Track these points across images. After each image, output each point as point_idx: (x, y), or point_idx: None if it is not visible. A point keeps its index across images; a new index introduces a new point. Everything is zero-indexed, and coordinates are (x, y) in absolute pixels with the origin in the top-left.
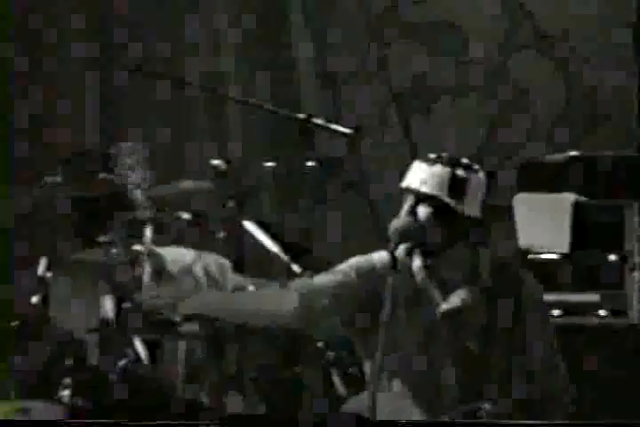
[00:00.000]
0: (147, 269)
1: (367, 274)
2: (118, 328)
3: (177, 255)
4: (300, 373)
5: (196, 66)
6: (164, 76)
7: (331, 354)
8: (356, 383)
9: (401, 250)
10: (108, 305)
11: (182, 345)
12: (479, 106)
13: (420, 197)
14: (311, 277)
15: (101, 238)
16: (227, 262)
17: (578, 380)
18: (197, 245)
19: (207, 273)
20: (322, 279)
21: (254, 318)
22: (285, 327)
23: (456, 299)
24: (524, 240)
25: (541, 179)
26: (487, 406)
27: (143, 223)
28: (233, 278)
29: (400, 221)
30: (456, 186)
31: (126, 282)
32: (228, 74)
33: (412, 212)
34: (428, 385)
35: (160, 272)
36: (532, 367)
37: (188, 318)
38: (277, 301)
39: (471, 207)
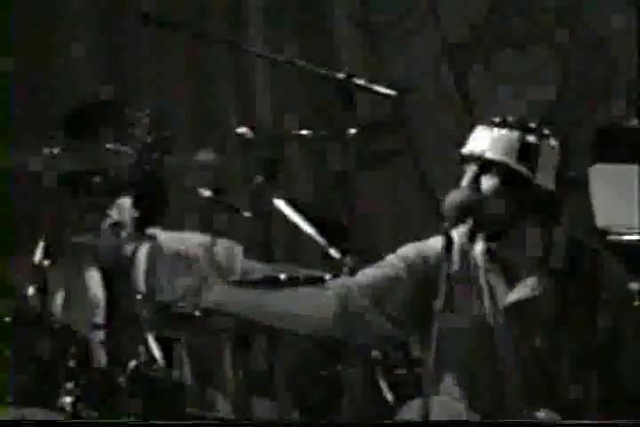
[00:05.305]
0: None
1: (421, 269)
2: (128, 323)
3: (178, 240)
4: (340, 373)
5: (217, 19)
6: (182, 28)
7: (376, 353)
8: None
9: (461, 231)
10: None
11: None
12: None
13: (485, 166)
14: (352, 264)
15: (110, 219)
16: (237, 247)
17: None
18: (219, 227)
19: (212, 260)
20: (364, 275)
21: (287, 322)
22: (324, 335)
23: (525, 288)
24: (601, 219)
25: (623, 146)
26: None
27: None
28: (243, 264)
29: (459, 194)
30: (526, 153)
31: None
32: (254, 29)
33: (475, 183)
34: (490, 389)
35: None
36: (616, 368)
37: (211, 312)
38: (314, 304)
39: (544, 177)
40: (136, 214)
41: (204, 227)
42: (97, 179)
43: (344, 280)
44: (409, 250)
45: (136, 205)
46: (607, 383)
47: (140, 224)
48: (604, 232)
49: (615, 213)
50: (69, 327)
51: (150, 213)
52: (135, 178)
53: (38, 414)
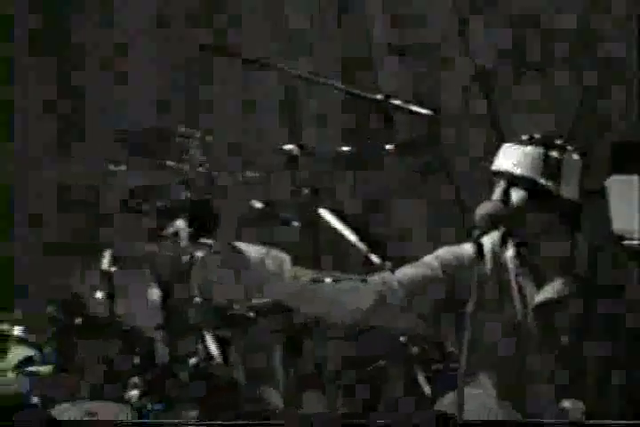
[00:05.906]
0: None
1: (455, 270)
2: (187, 324)
3: (232, 249)
4: (383, 368)
5: (260, 44)
6: (237, 55)
7: (414, 349)
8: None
9: (492, 237)
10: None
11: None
12: (568, 79)
13: (513, 181)
14: (391, 267)
15: (169, 230)
16: (285, 256)
17: None
18: (268, 237)
19: (264, 267)
20: (402, 272)
21: (331, 311)
22: (364, 324)
23: (552, 290)
24: (617, 225)
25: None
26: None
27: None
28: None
29: (489, 205)
30: (550, 168)
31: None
32: (296, 51)
33: (505, 196)
34: (518, 383)
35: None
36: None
37: (263, 313)
38: (355, 295)
39: (569, 189)
40: (190, 232)
41: (256, 238)
42: (157, 201)
43: (383, 276)
44: (445, 252)
45: (190, 224)
46: (627, 383)
47: (195, 237)
48: (620, 238)
49: (630, 220)
50: (136, 328)
51: (204, 231)
52: (189, 200)
53: (109, 406)
